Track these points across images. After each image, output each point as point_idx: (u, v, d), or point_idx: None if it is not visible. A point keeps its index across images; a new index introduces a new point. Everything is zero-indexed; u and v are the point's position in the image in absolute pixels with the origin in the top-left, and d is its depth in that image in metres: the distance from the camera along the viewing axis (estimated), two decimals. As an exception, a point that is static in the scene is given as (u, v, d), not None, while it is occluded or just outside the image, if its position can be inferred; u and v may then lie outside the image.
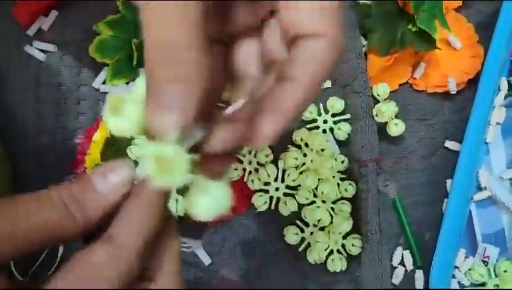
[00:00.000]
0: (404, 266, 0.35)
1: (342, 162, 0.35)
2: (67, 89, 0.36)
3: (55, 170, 0.35)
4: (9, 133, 0.36)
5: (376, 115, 0.35)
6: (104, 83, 0.36)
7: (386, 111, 0.35)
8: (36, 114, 0.36)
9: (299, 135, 0.35)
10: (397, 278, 0.35)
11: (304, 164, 0.34)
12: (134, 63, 0.34)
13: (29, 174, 0.35)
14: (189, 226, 0.34)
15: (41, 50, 0.36)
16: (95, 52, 0.35)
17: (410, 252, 0.35)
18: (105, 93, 0.36)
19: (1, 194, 0.33)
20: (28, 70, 0.36)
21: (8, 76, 0.36)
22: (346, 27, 0.34)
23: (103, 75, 0.36)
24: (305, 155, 0.34)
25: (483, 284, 0.34)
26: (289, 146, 0.35)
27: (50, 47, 0.36)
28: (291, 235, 0.34)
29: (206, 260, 0.34)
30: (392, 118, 0.35)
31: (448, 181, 0.36)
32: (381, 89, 0.36)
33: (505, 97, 0.37)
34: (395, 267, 0.35)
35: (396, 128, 0.35)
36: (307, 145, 0.35)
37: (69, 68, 0.36)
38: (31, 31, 0.36)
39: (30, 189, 0.19)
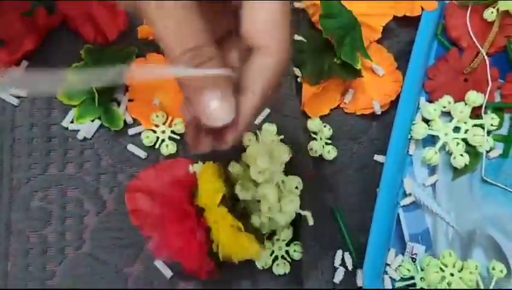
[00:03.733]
0: (344, 267, 0.40)
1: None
2: (39, 129, 0.41)
3: (31, 201, 0.40)
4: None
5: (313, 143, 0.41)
6: (72, 122, 0.41)
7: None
8: (11, 152, 0.41)
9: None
10: (338, 277, 0.39)
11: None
12: (97, 104, 0.39)
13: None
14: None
15: (14, 96, 0.41)
16: (62, 96, 0.40)
17: (349, 254, 0.40)
18: (74, 130, 0.41)
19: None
20: (4, 113, 0.41)
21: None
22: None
23: (71, 115, 0.41)
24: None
25: (411, 277, 0.39)
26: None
27: (22, 92, 0.41)
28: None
29: (168, 273, 0.38)
30: (324, 145, 0.41)
31: (378, 190, 0.41)
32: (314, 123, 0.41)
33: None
34: (337, 268, 0.40)
35: (329, 154, 0.41)
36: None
37: (40, 110, 0.41)
38: (3, 79, 0.41)
39: None
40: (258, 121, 0.41)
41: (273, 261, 0.39)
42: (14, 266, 0.38)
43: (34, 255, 0.38)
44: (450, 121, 0.41)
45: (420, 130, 0.40)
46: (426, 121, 0.41)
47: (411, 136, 0.41)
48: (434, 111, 0.40)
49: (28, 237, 0.39)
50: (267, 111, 0.41)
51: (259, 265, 0.38)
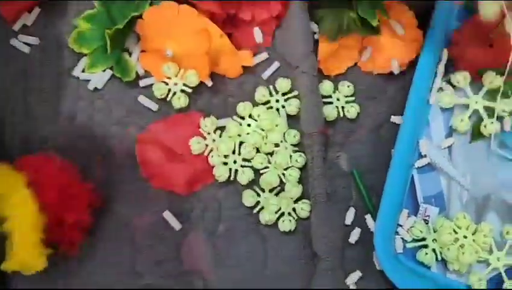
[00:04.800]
0: (360, 227, 0.39)
1: (294, 136, 0.39)
2: (50, 78, 0.40)
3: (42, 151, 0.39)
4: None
5: (338, 99, 0.40)
6: (83, 71, 0.40)
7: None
8: (23, 101, 0.40)
9: (255, 112, 0.39)
10: (354, 237, 0.39)
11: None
12: (109, 52, 0.38)
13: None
14: (160, 197, 0.39)
15: (25, 43, 0.40)
16: (73, 43, 0.40)
17: (370, 214, 0.39)
18: (85, 80, 0.40)
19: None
20: (15, 61, 0.40)
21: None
22: (298, 14, 0.39)
23: (82, 64, 0.40)
24: (248, 125, 0.39)
25: (423, 239, 0.38)
26: (233, 117, 0.39)
27: (34, 40, 0.40)
28: (248, 198, 0.38)
29: (177, 225, 0.38)
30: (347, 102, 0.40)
31: (393, 151, 0.40)
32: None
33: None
34: (353, 228, 0.39)
35: (349, 113, 0.40)
36: (250, 116, 0.39)
37: (51, 59, 0.40)
38: (16, 26, 0.40)
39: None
40: (268, 74, 0.40)
41: (279, 217, 0.38)
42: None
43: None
44: (479, 88, 0.39)
45: (446, 98, 0.39)
46: (453, 86, 0.40)
47: (428, 100, 0.40)
48: (463, 80, 0.39)
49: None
50: (277, 64, 0.40)
51: (262, 220, 0.38)
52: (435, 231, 0.38)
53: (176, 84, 0.40)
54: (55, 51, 0.40)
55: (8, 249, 0.33)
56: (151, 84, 0.40)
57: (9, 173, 0.34)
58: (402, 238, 0.38)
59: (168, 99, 0.40)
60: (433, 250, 0.38)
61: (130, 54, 0.40)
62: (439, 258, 0.38)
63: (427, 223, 0.38)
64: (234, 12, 0.40)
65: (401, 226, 0.38)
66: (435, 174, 0.39)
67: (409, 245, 0.38)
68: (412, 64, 0.41)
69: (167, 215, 0.38)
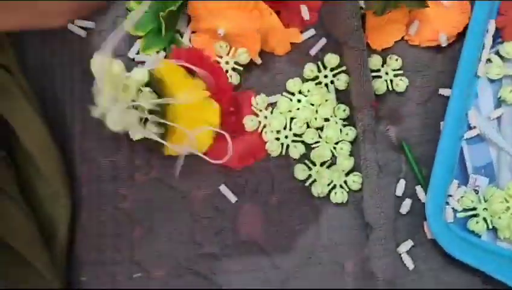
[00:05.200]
0: (410, 198, 0.40)
1: (344, 110, 0.40)
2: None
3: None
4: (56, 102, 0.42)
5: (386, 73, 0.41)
6: (137, 53, 0.42)
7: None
8: (81, 83, 0.42)
9: (305, 88, 0.40)
10: (405, 208, 0.40)
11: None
12: (163, 34, 0.40)
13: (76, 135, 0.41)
14: (216, 171, 0.40)
15: (82, 27, 0.42)
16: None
17: (421, 186, 0.40)
18: (140, 62, 0.42)
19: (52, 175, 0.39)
20: (72, 45, 0.42)
21: (54, 52, 0.43)
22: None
23: (137, 46, 0.42)
24: (299, 101, 0.40)
25: (473, 209, 0.39)
26: (283, 93, 0.40)
27: (90, 24, 0.42)
28: (300, 171, 0.39)
29: (232, 198, 0.40)
30: (395, 75, 0.41)
31: (442, 123, 0.41)
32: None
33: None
34: (403, 199, 0.40)
35: (398, 86, 0.41)
36: (300, 92, 0.40)
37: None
38: (73, 12, 0.42)
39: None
40: (315, 50, 0.41)
41: (331, 190, 0.39)
42: (88, 191, 0.40)
43: (106, 180, 0.41)
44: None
45: (494, 70, 0.39)
46: (501, 57, 0.40)
47: (476, 73, 0.40)
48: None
49: (100, 163, 0.41)
50: (324, 41, 0.41)
51: (314, 192, 0.39)
52: (485, 201, 0.39)
53: (227, 62, 0.41)
54: (111, 34, 0.42)
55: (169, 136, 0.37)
56: (203, 64, 0.41)
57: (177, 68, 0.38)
58: (452, 208, 0.39)
59: (220, 77, 0.41)
60: (484, 219, 0.38)
61: (182, 36, 0.42)
62: (490, 227, 0.38)
63: (477, 193, 0.39)
64: (282, -10, 0.41)
65: (451, 196, 0.39)
66: (484, 145, 0.40)
67: (459, 215, 0.39)
68: (460, 37, 0.41)
69: (223, 189, 0.40)
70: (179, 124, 0.37)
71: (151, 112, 0.37)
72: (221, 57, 0.41)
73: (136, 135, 0.38)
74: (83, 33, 0.42)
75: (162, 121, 0.37)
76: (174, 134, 0.38)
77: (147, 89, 0.37)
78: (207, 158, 0.39)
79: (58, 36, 0.42)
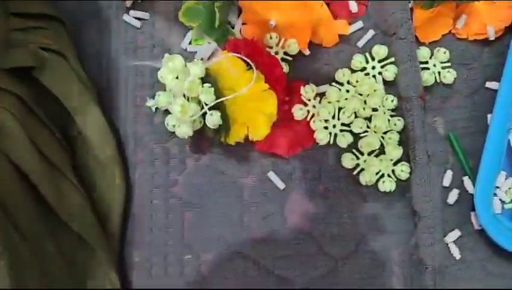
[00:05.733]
0: (458, 188, 0.40)
1: (392, 100, 0.41)
2: (160, 50, 0.43)
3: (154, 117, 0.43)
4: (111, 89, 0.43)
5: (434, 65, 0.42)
6: (190, 43, 0.43)
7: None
8: (136, 71, 0.44)
9: (354, 78, 0.41)
10: (452, 198, 0.40)
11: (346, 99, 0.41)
12: (217, 24, 0.41)
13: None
14: (264, 158, 0.41)
15: (137, 18, 0.44)
16: (183, 17, 0.43)
17: (468, 177, 0.40)
18: (192, 52, 0.43)
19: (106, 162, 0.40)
20: (126, 35, 0.44)
21: (110, 41, 0.44)
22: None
23: (189, 37, 0.43)
24: (347, 91, 0.41)
25: (522, 200, 0.39)
26: (333, 84, 0.41)
27: (144, 15, 0.44)
28: (348, 160, 0.40)
29: (281, 185, 0.41)
30: (443, 67, 0.41)
31: (489, 115, 0.41)
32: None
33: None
34: (451, 190, 0.40)
35: (446, 78, 0.41)
36: (348, 82, 0.41)
37: (161, 32, 0.44)
38: (128, 3, 0.44)
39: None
40: (363, 42, 0.42)
41: (379, 179, 0.40)
42: (141, 175, 0.42)
43: (159, 165, 0.42)
44: None
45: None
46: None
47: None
48: None
49: (153, 149, 0.42)
50: (372, 33, 0.42)
51: (362, 181, 0.40)
52: (534, 192, 0.39)
53: (276, 53, 0.42)
54: (165, 25, 0.44)
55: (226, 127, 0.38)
56: (253, 54, 0.42)
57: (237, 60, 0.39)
58: (500, 200, 0.39)
59: (269, 68, 0.42)
60: (532, 210, 0.38)
61: (233, 27, 0.43)
62: (538, 219, 0.39)
63: (524, 185, 0.39)
64: (331, -17, 0.42)
65: (498, 187, 0.39)
66: (532, 138, 0.40)
67: (507, 206, 0.39)
68: (507, 31, 0.42)
69: (271, 175, 0.41)
70: (238, 116, 0.39)
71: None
72: (270, 48, 0.42)
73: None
74: (137, 23, 0.44)
75: (222, 115, 0.38)
76: (233, 125, 0.39)
77: (207, 84, 0.38)
78: (256, 147, 0.40)
79: (113, 26, 0.44)
